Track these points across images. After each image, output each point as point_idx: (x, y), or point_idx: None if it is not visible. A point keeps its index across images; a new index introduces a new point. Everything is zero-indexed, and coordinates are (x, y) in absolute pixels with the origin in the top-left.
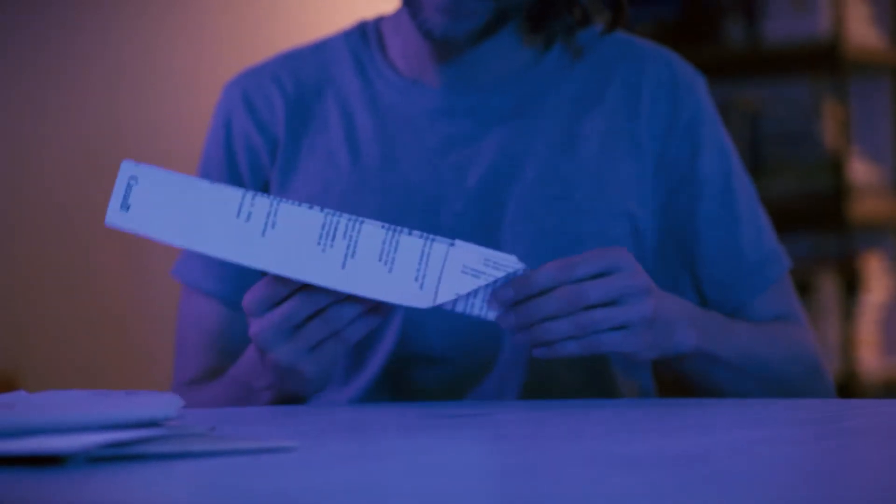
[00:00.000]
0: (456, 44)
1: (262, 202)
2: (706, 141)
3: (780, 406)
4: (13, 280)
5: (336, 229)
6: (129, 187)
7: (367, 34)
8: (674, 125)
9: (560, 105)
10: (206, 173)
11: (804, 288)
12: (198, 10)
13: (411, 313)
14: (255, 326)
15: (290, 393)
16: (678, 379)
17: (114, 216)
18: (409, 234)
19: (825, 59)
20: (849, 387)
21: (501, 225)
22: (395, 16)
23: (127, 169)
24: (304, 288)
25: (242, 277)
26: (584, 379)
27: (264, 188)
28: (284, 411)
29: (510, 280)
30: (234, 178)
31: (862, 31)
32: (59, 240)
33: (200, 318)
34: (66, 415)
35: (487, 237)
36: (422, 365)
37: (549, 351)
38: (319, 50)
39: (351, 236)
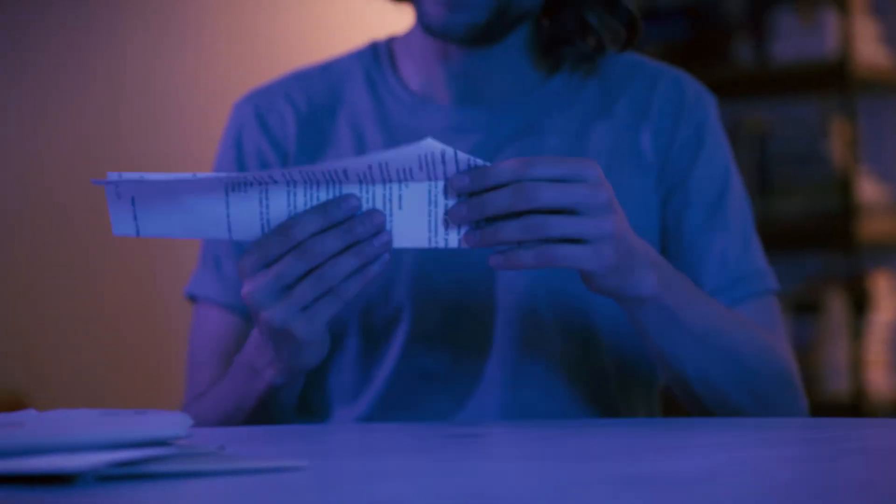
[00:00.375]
0: (456, 39)
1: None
2: (705, 154)
3: (789, 425)
4: (21, 299)
5: (318, 194)
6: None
7: (378, 54)
8: (675, 138)
9: (569, 122)
10: None
11: (813, 308)
12: (199, 12)
13: (416, 327)
14: (248, 286)
15: (290, 366)
16: (683, 402)
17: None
18: (383, 184)
19: (833, 79)
20: (858, 406)
21: None
22: (407, 35)
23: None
24: (297, 247)
25: None
26: (586, 397)
27: None
28: (293, 431)
29: (468, 169)
30: None
31: (869, 51)
32: (66, 259)
33: (214, 330)
34: (76, 434)
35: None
36: (425, 379)
37: (504, 260)
38: (330, 70)
39: (333, 193)
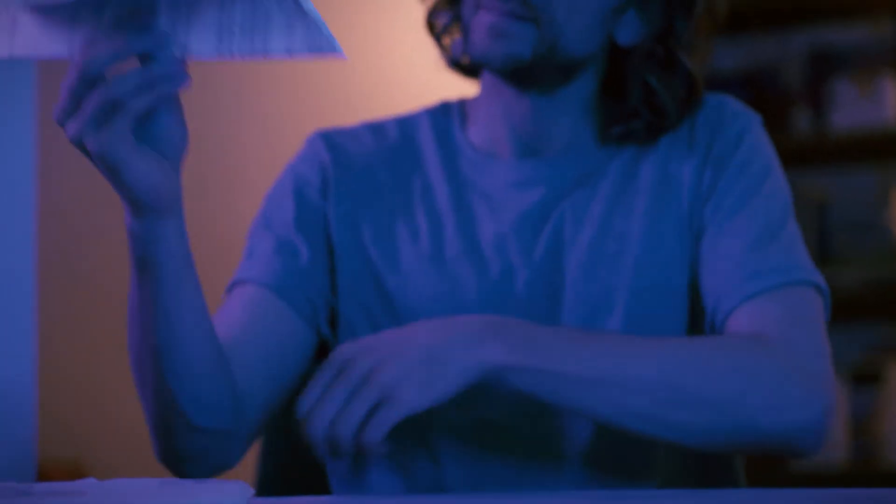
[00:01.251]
0: (497, 67)
1: None
2: (734, 165)
3: (852, 497)
4: (79, 369)
5: None
6: None
7: (450, 111)
8: (710, 154)
9: (621, 166)
10: (274, 219)
11: (872, 378)
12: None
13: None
14: (55, 109)
15: (127, 198)
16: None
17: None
18: None
19: (892, 148)
20: None
21: (564, 286)
22: (476, 98)
23: None
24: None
25: (297, 276)
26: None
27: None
28: None
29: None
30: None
31: None
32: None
33: (241, 302)
34: (136, 503)
35: (553, 301)
36: (487, 431)
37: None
38: (402, 122)
39: None
